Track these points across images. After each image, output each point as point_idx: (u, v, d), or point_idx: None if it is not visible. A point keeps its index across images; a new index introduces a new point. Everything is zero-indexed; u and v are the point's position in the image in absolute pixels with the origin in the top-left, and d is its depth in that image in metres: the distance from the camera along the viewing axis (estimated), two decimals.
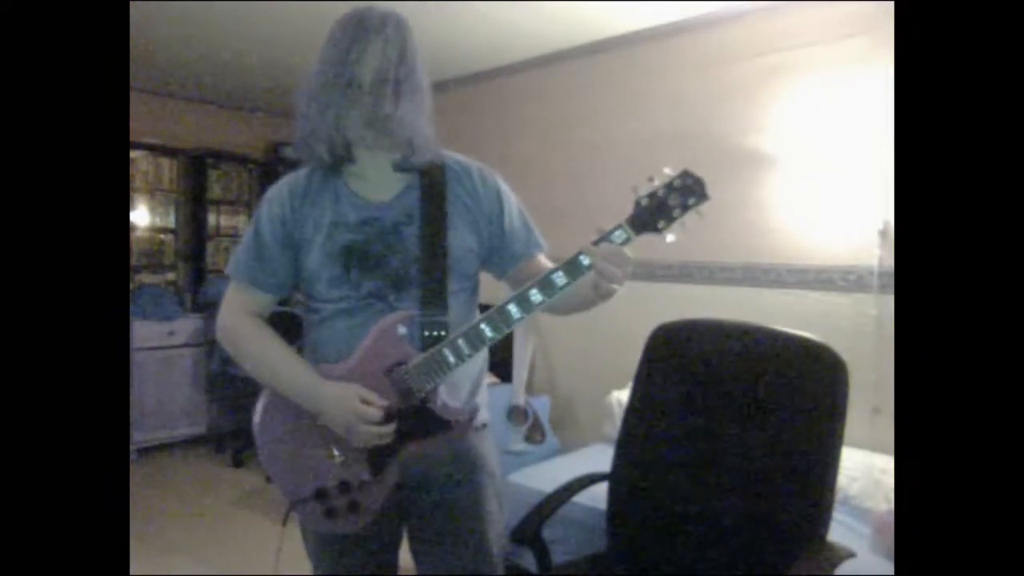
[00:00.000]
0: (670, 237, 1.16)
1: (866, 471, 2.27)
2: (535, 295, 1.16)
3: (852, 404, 1.48)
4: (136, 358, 4.09)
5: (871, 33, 2.45)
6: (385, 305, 1.25)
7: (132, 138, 4.30)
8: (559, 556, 1.82)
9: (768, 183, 2.77)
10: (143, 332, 4.14)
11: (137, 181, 4.52)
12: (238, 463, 4.03)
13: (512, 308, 1.16)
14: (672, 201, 1.16)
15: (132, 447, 4.05)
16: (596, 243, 1.15)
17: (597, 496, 1.80)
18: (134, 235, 4.53)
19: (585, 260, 1.13)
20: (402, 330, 1.22)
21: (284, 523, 1.32)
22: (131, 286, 4.44)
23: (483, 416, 1.38)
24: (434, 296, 1.25)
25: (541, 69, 3.61)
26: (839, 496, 1.54)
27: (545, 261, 1.36)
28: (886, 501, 2.17)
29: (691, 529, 1.62)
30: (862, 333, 2.48)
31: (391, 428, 1.20)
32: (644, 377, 1.80)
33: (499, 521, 1.37)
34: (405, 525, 1.38)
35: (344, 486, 1.25)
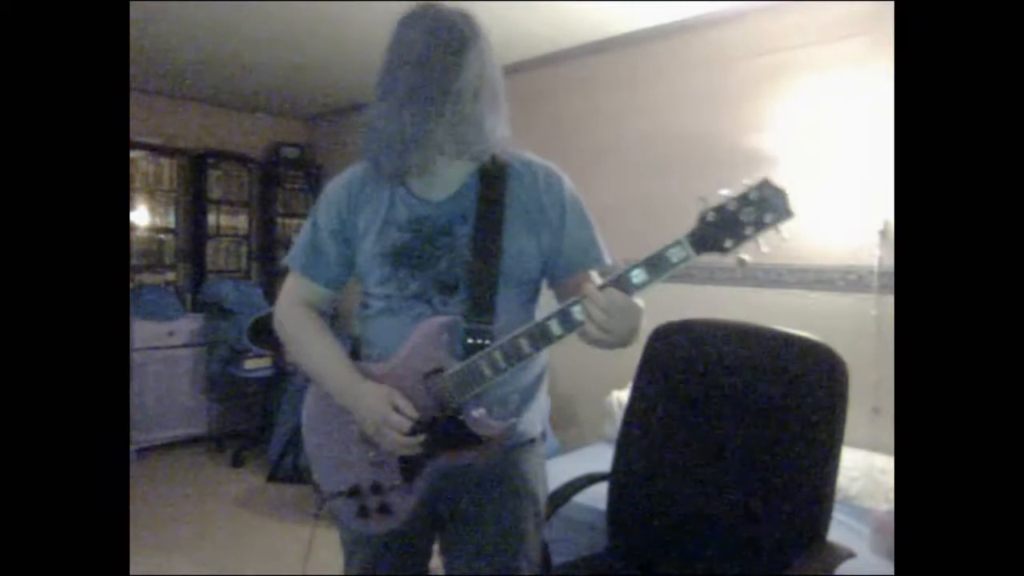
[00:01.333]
0: (744, 257, 1.02)
1: (866, 471, 2.27)
2: (577, 314, 1.06)
3: (852, 404, 1.47)
4: (136, 358, 4.09)
5: (871, 33, 2.45)
6: (428, 308, 1.21)
7: (132, 138, 4.30)
8: (559, 556, 1.82)
9: None
10: (143, 332, 4.14)
11: (137, 181, 4.51)
12: (238, 463, 4.03)
13: (554, 324, 1.08)
14: (745, 217, 1.01)
15: (132, 447, 4.05)
16: (612, 283, 1.04)
17: (597, 496, 1.80)
18: (134, 235, 4.53)
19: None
20: (444, 339, 1.16)
21: (317, 515, 1.32)
22: (131, 286, 4.44)
23: (531, 431, 1.30)
24: (482, 302, 1.18)
25: (541, 69, 3.61)
26: (839, 496, 1.53)
27: (597, 280, 1.26)
28: (886, 501, 2.17)
29: (691, 529, 1.62)
30: (862, 333, 2.48)
31: (418, 440, 1.16)
32: (644, 377, 1.80)
33: (533, 543, 1.31)
34: (437, 534, 1.34)
35: (376, 487, 1.22)
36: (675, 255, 1.03)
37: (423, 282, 1.21)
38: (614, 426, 2.73)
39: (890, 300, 2.43)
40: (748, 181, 1.02)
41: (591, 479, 1.80)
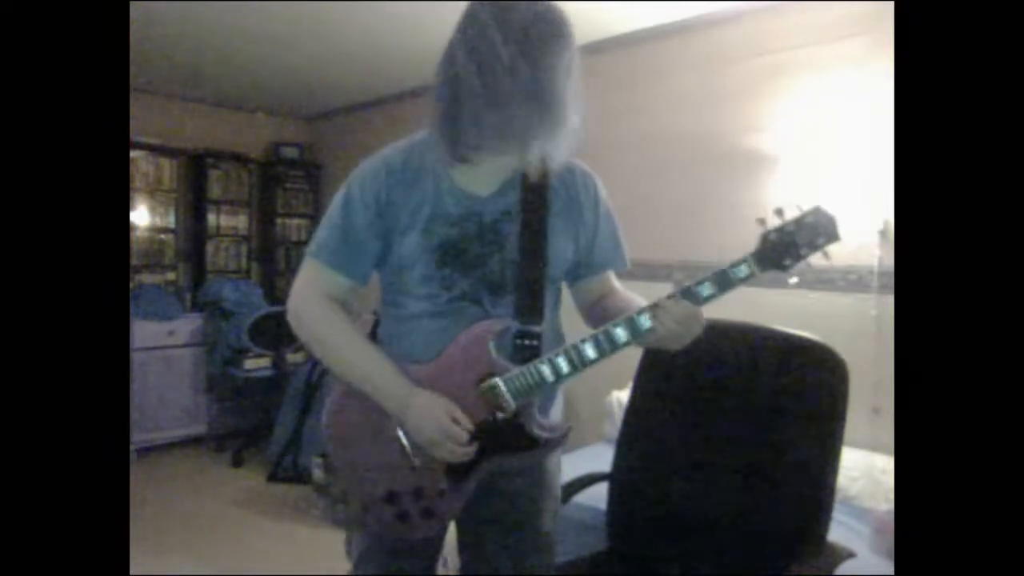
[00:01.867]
0: (793, 279, 1.12)
1: (866, 471, 2.27)
2: (645, 321, 1.09)
3: (852, 404, 1.47)
4: (136, 358, 4.08)
5: (871, 33, 2.45)
6: (479, 309, 1.17)
7: (132, 138, 4.30)
8: (559, 556, 1.81)
9: (768, 183, 2.76)
10: (143, 332, 4.14)
11: (137, 181, 4.51)
12: (238, 463, 4.03)
13: (620, 332, 1.09)
14: (801, 239, 1.11)
15: (132, 447, 4.05)
16: (683, 294, 1.08)
17: (597, 496, 1.80)
18: (134, 235, 4.53)
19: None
20: (493, 342, 1.13)
21: (359, 527, 1.26)
22: (131, 286, 4.44)
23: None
24: (530, 303, 1.16)
25: None
26: (839, 496, 1.54)
27: (615, 280, 1.30)
28: (886, 501, 2.17)
29: (691, 529, 1.62)
30: (862, 333, 2.48)
31: (473, 449, 1.13)
32: (644, 377, 1.80)
33: (552, 540, 1.31)
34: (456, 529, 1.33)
35: (419, 492, 1.18)
36: (742, 271, 1.12)
37: (472, 282, 1.16)
38: (614, 426, 2.73)
39: (890, 300, 2.43)
40: (801, 206, 1.12)
41: (591, 479, 1.80)
